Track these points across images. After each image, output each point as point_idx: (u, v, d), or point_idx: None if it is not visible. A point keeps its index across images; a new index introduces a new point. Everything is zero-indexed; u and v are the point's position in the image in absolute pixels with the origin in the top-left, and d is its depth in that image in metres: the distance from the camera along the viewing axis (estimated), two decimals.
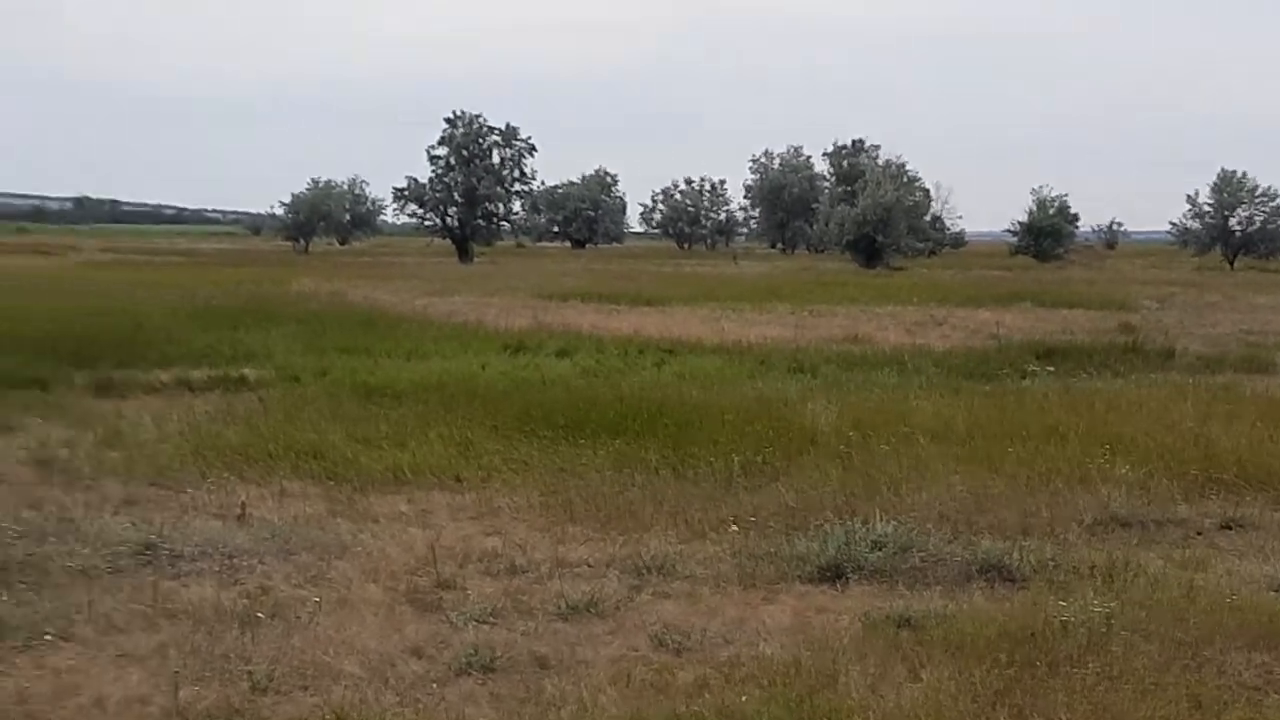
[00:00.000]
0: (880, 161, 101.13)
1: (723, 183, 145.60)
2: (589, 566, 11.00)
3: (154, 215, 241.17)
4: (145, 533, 11.53)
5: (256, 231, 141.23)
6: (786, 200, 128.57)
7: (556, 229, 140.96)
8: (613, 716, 7.55)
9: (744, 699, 7.78)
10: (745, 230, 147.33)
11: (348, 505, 13.05)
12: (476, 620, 9.46)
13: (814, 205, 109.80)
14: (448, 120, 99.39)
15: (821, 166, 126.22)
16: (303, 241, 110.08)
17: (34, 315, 30.14)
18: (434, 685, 8.19)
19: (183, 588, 10.17)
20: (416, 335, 28.70)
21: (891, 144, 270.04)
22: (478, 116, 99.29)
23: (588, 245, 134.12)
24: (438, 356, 25.13)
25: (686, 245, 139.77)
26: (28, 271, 54.86)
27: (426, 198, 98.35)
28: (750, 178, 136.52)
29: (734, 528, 11.95)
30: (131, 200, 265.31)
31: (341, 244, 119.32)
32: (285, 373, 22.41)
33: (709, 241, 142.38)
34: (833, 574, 10.70)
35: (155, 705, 7.69)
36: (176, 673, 8.06)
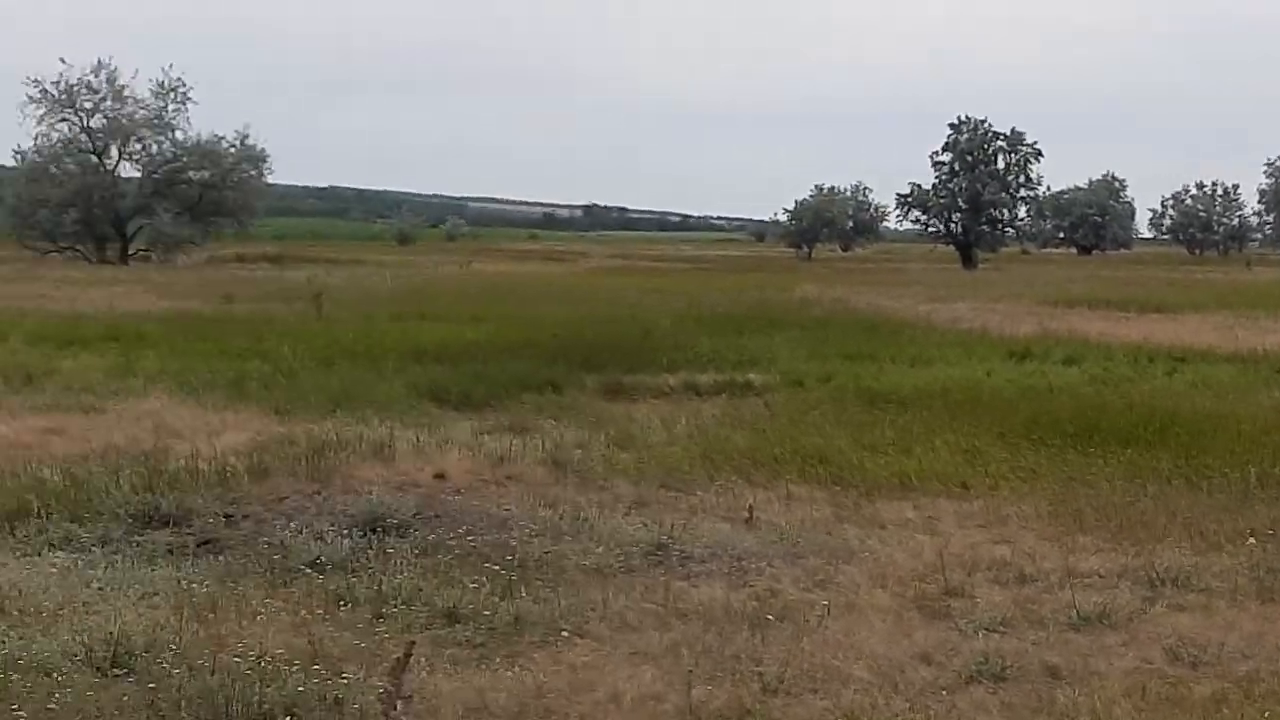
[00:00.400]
0: None
1: (1236, 187, 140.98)
2: (1100, 577, 10.74)
3: (660, 222, 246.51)
4: (656, 533, 11.75)
5: (760, 238, 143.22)
6: None
7: (1062, 235, 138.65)
8: None
9: (1265, 715, 7.48)
10: (1259, 236, 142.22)
11: (854, 510, 13.05)
12: (986, 628, 9.35)
13: None
14: (952, 126, 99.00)
15: None
16: (806, 248, 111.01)
17: (546, 321, 31.13)
18: (944, 692, 8.11)
19: (693, 588, 10.32)
20: (920, 341, 28.58)
21: None
22: (983, 121, 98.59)
23: (1094, 251, 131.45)
24: (941, 363, 24.97)
25: (1197, 252, 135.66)
26: (540, 278, 56.72)
27: (930, 204, 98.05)
28: (1265, 182, 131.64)
29: (1251, 540, 11.50)
30: (638, 208, 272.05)
31: (844, 250, 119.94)
32: (789, 378, 22.56)
33: (1221, 248, 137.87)
34: None
35: (669, 703, 7.82)
36: (690, 671, 8.17)
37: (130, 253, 72.91)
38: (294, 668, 8.20)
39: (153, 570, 10.66)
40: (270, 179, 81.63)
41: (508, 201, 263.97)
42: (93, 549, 11.31)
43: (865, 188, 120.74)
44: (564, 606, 9.77)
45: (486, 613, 9.51)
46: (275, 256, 71.21)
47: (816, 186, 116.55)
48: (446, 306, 35.30)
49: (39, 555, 11.14)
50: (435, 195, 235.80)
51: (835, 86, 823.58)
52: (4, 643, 8.71)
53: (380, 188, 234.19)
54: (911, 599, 10.09)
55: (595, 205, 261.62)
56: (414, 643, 6.99)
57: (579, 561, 10.99)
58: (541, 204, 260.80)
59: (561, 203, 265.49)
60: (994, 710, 7.80)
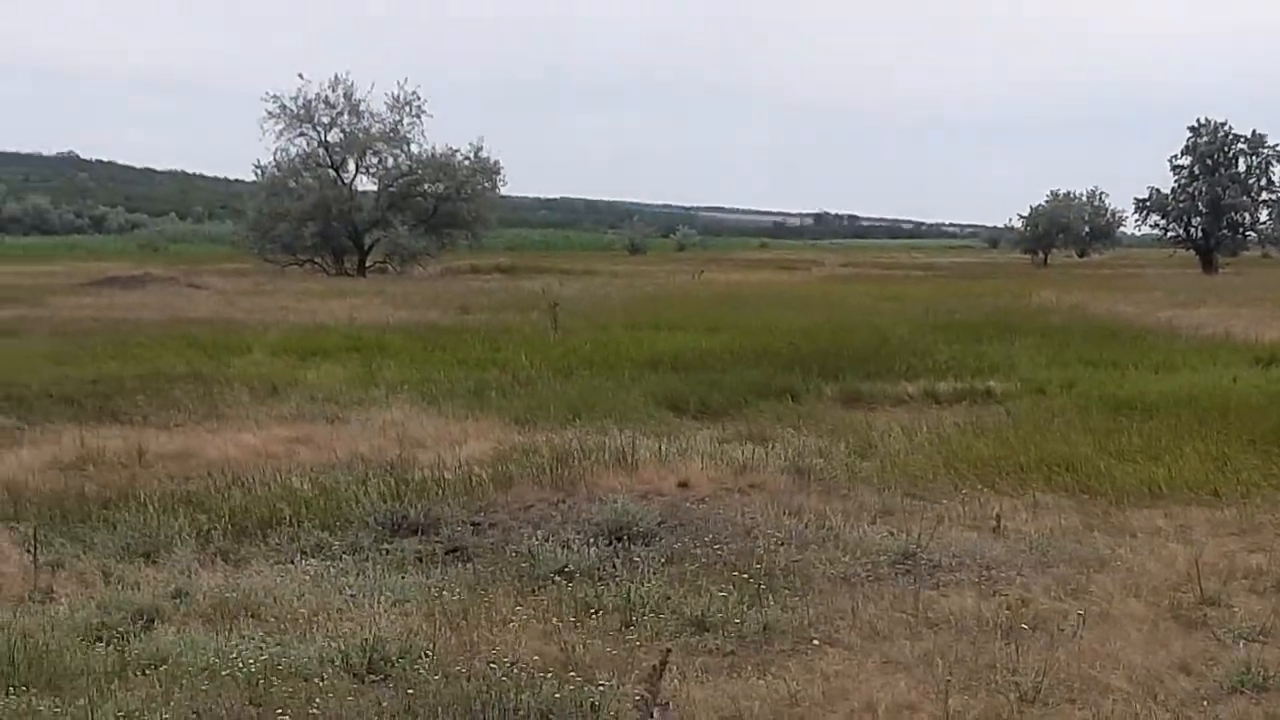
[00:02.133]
0: None
1: None
2: None
3: (891, 229, 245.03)
4: (903, 542, 11.64)
5: (994, 244, 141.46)
6: None
7: None
8: None
9: None
10: None
11: (1103, 519, 12.83)
12: (1245, 638, 9.13)
13: None
14: (1191, 129, 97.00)
15: None
16: (1041, 254, 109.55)
17: (781, 329, 31.05)
18: (1205, 703, 7.93)
19: (942, 597, 10.22)
20: (1163, 348, 28.03)
21: None
22: (1223, 124, 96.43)
23: None
24: (1186, 369, 24.45)
25: None
26: (772, 286, 56.63)
27: (1169, 208, 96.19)
28: None
29: None
30: (869, 215, 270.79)
31: (1080, 256, 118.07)
32: (1030, 385, 22.26)
33: None
34: None
35: (924, 713, 7.74)
36: (948, 680, 8.09)
37: (367, 265, 74.13)
38: (547, 675, 8.25)
39: (403, 577, 10.81)
40: (503, 191, 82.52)
41: (737, 210, 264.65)
42: (344, 556, 11.52)
43: (1101, 193, 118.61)
44: (813, 615, 9.74)
45: (735, 621, 9.52)
46: (508, 267, 71.98)
47: (1052, 192, 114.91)
48: (681, 316, 35.39)
49: (292, 562, 11.37)
50: (665, 205, 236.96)
51: (1068, 91, 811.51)
52: (262, 648, 8.89)
53: (611, 198, 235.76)
54: (1166, 608, 9.89)
55: (825, 213, 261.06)
56: (670, 650, 7.00)
57: (826, 570, 10.94)
58: (771, 213, 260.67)
59: (791, 211, 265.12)
60: None
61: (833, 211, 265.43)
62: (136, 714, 7.74)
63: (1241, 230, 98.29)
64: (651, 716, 6.57)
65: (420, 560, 11.41)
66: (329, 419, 18.82)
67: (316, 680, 8.33)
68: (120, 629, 9.42)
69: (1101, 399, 20.11)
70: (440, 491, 13.73)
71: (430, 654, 8.76)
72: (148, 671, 8.54)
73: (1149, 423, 17.64)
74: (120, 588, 10.47)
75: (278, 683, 8.27)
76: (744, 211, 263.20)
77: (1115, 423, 17.77)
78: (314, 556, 11.54)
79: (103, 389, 21.30)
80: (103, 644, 9.11)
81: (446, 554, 11.63)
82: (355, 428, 18.02)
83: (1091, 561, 11.23)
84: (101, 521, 12.50)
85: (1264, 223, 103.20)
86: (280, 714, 7.80)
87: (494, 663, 8.49)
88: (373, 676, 8.46)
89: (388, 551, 11.65)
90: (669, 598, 10.04)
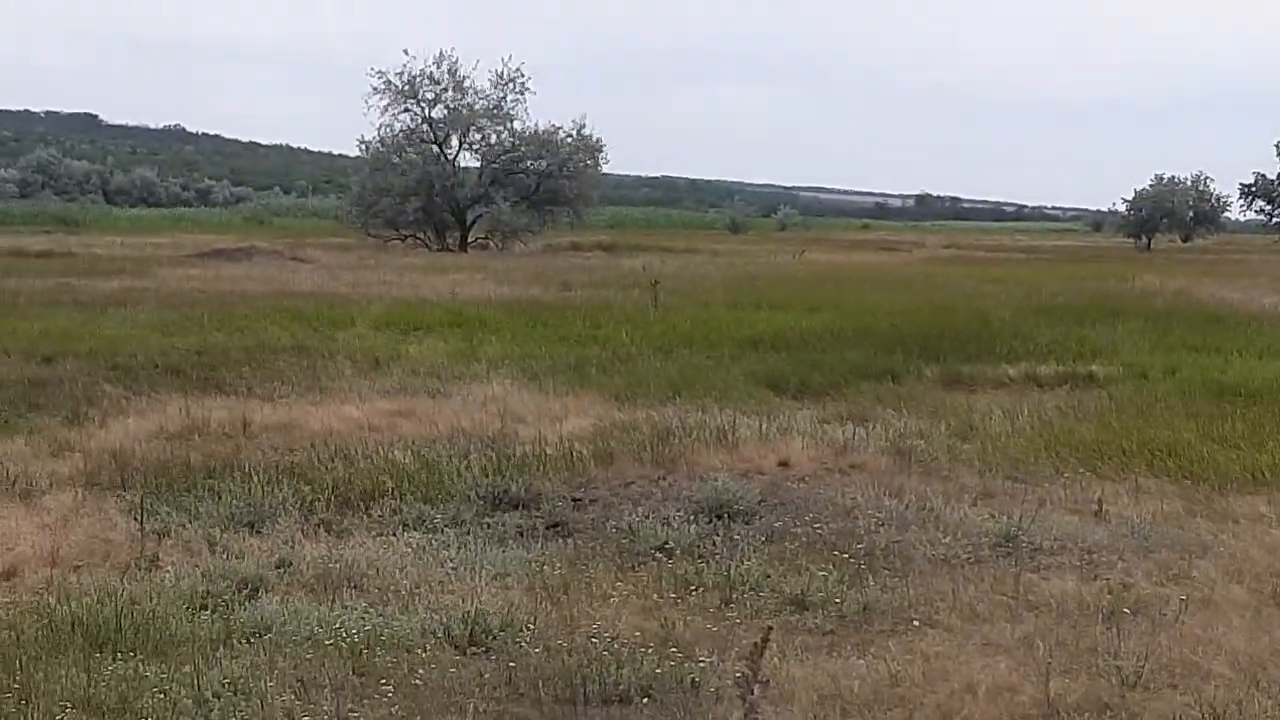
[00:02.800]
0: None
1: None
2: None
3: (994, 212, 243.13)
4: (1004, 525, 11.59)
5: (1097, 228, 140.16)
6: None
7: None
8: None
9: None
10: None
11: (1205, 504, 12.73)
12: None
13: None
14: None
15: None
16: (1144, 238, 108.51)
17: (882, 310, 30.95)
18: None
19: (1043, 580, 10.18)
20: (1268, 334, 27.68)
21: None
22: None
23: None
24: None
25: None
26: (873, 267, 56.38)
27: (1275, 194, 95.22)
28: None
29: None
30: (971, 197, 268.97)
31: (1184, 241, 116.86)
32: (1133, 370, 22.07)
33: None
34: None
35: (1025, 695, 7.72)
36: (1051, 664, 8.07)
37: (469, 240, 74.39)
38: (647, 650, 8.31)
39: (504, 551, 10.89)
40: (605, 168, 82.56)
41: (839, 191, 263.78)
42: (445, 529, 11.61)
43: (1206, 177, 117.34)
44: (913, 596, 9.74)
45: (835, 600, 9.52)
46: (609, 245, 71.95)
47: (1156, 176, 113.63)
48: (781, 295, 35.30)
49: (394, 535, 11.47)
50: (766, 185, 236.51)
51: (1173, 74, 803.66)
52: (365, 619, 8.99)
53: (712, 177, 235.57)
54: (1270, 595, 9.81)
55: (928, 195, 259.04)
56: (771, 628, 7.02)
57: (926, 551, 10.93)
58: (873, 194, 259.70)
59: (893, 192, 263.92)
60: None
61: (935, 193, 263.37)
62: (241, 681, 7.85)
63: None
64: (752, 694, 6.60)
65: (521, 535, 11.49)
66: (430, 393, 18.93)
67: (418, 651, 8.42)
68: (225, 597, 9.54)
69: (1205, 384, 19.92)
70: (541, 467, 13.79)
71: (531, 628, 8.84)
72: (252, 640, 8.66)
73: (1253, 409, 17.49)
74: (225, 557, 10.60)
75: (380, 653, 8.38)
76: (845, 192, 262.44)
77: (1218, 408, 17.63)
78: (416, 529, 11.63)
79: (208, 360, 21.53)
80: (208, 612, 9.24)
81: (547, 529, 11.71)
82: (456, 402, 18.11)
83: (1194, 547, 11.16)
84: (207, 491, 12.63)
85: None
86: (383, 684, 7.90)
87: (594, 637, 8.55)
88: (474, 649, 8.55)
89: (489, 525, 11.73)
90: (769, 576, 10.07)
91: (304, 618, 9.01)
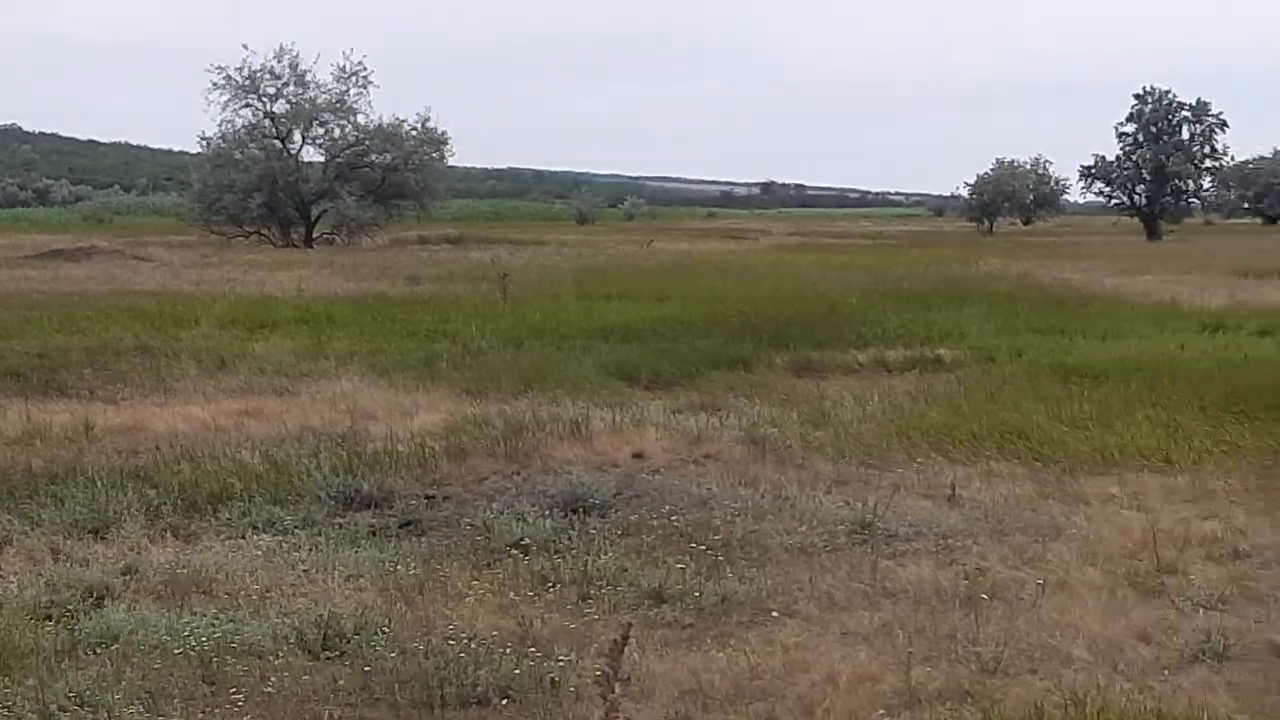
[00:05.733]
0: None
1: None
2: None
3: (838, 199, 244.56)
4: (859, 512, 11.62)
5: (939, 213, 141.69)
6: None
7: (1246, 205, 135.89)
8: None
9: None
10: None
11: (1056, 487, 12.85)
12: (1204, 606, 9.16)
13: None
14: (1137, 97, 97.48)
15: None
16: (987, 222, 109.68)
17: (731, 298, 30.96)
18: (1165, 672, 7.94)
19: (900, 567, 10.20)
20: (1110, 315, 28.12)
21: None
22: (1167, 92, 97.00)
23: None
24: (1133, 336, 24.57)
25: None
26: (721, 256, 56.50)
27: (1114, 176, 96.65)
28: None
29: None
30: (815, 184, 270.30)
31: (1025, 224, 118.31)
32: (980, 353, 22.30)
33: None
34: None
35: (886, 684, 7.71)
36: (911, 652, 8.06)
37: (314, 236, 73.69)
38: (505, 650, 8.23)
39: (357, 552, 10.73)
40: (451, 161, 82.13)
41: (685, 180, 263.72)
42: (296, 531, 11.44)
43: (1046, 161, 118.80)
44: (770, 586, 9.72)
45: (693, 593, 9.49)
46: (456, 238, 71.53)
47: (997, 160, 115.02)
48: (631, 285, 35.24)
49: (243, 538, 11.29)
50: (613, 175, 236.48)
51: (1012, 59, 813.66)
52: (215, 625, 8.82)
53: (558, 168, 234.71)
54: (1124, 576, 9.90)
55: (773, 183, 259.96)
56: (631, 624, 6.92)
57: (783, 540, 10.92)
58: (719, 182, 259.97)
59: (739, 181, 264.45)
60: (1220, 690, 7.61)
61: (780, 181, 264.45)
62: (88, 693, 7.65)
63: (1185, 197, 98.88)
64: (613, 691, 6.51)
65: (374, 534, 11.32)
66: (278, 392, 18.69)
67: (271, 658, 8.27)
68: (70, 607, 9.31)
69: (1051, 366, 20.16)
70: (393, 464, 13.63)
71: (386, 630, 8.71)
72: (98, 650, 8.46)
73: (1099, 390, 17.69)
74: (69, 565, 10.36)
75: (231, 660, 8.21)
76: (691, 181, 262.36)
77: (1065, 390, 17.82)
78: (266, 531, 11.44)
79: (48, 363, 21.03)
80: (52, 622, 9.01)
81: (400, 527, 11.56)
82: (305, 400, 17.90)
83: (1047, 530, 11.25)
84: (49, 497, 12.31)
85: (1207, 190, 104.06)
86: (234, 693, 7.73)
87: (451, 638, 8.44)
88: (328, 653, 8.40)
89: (341, 526, 11.56)
90: (626, 570, 10.00)
91: (152, 626, 8.80)
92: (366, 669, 8.02)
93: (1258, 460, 13.66)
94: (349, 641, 8.53)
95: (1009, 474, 13.36)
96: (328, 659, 8.31)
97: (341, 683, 7.88)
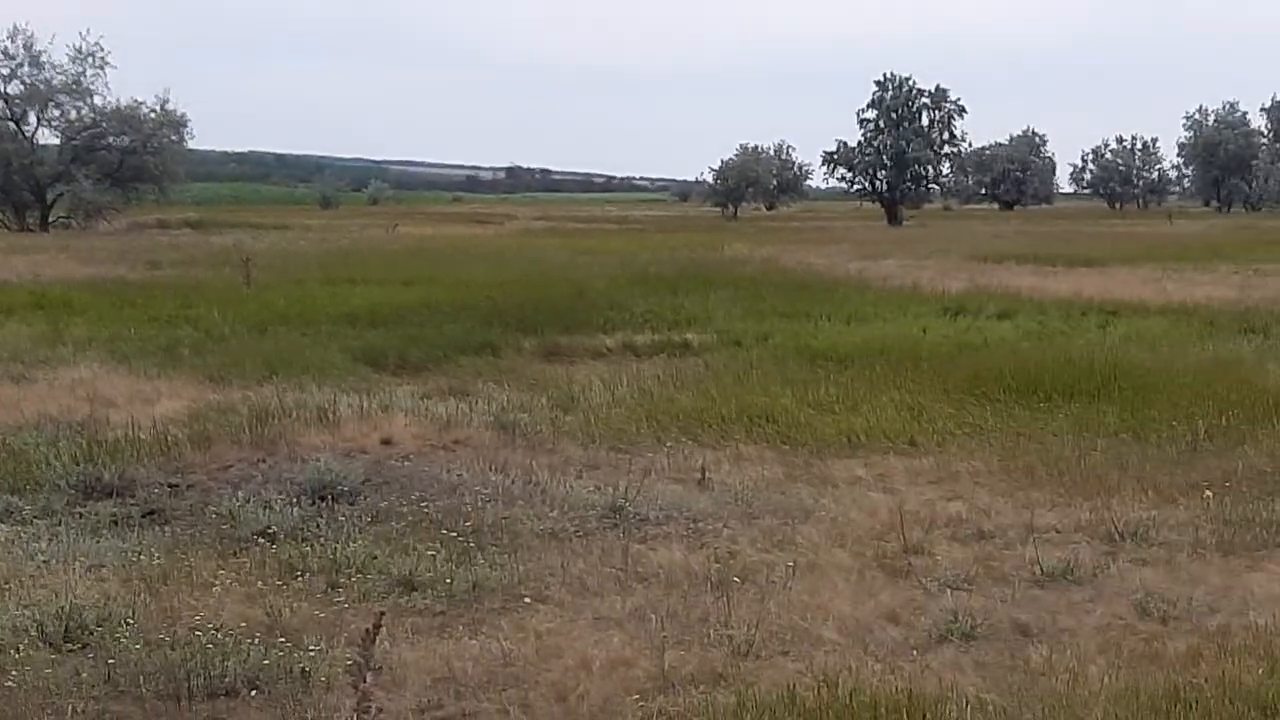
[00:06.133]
0: None
1: (1155, 141, 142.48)
2: (1057, 532, 10.72)
3: (583, 183, 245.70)
4: (610, 496, 11.62)
5: (684, 198, 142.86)
6: (1222, 158, 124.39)
7: (984, 190, 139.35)
8: (1107, 686, 7.26)
9: (1242, 671, 7.41)
10: (1177, 189, 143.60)
11: (805, 469, 12.98)
12: (950, 586, 9.29)
13: (1252, 162, 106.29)
14: (878, 83, 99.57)
15: (1259, 122, 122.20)
16: (731, 207, 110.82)
17: (478, 283, 30.89)
18: (915, 652, 8.02)
19: (651, 551, 10.20)
20: (854, 299, 28.54)
21: None
22: (907, 79, 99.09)
23: (1015, 206, 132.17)
24: (878, 320, 24.99)
25: (1118, 205, 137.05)
26: (467, 240, 56.40)
27: (856, 161, 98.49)
28: (1183, 135, 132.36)
29: (1208, 493, 11.45)
30: (561, 169, 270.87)
31: (769, 209, 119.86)
32: (727, 337, 22.50)
33: (1141, 201, 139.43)
34: None
35: (640, 669, 7.69)
36: (664, 637, 8.06)
37: (51, 220, 72.08)
38: (253, 640, 8.04)
39: (99, 542, 10.45)
40: (191, 144, 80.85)
41: (430, 164, 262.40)
42: (35, 521, 11.11)
43: (789, 146, 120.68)
44: (522, 572, 9.64)
45: (445, 580, 9.37)
46: (197, 222, 70.59)
47: (741, 145, 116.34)
48: (376, 270, 34.99)
49: None
50: (357, 159, 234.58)
51: (756, 45, 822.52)
52: None
53: (301, 152, 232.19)
54: (872, 558, 10.01)
55: (518, 167, 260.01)
56: (383, 614, 6.82)
57: (534, 526, 10.87)
58: (464, 166, 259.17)
59: (484, 165, 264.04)
60: (968, 669, 7.71)
61: (525, 165, 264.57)
62: None
63: (925, 183, 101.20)
64: (365, 681, 6.41)
65: (116, 523, 11.02)
66: (14, 378, 18.15)
67: (10, 651, 7.98)
68: None
69: (797, 350, 20.40)
70: (135, 452, 13.29)
71: (130, 621, 8.47)
72: None
73: (845, 374, 17.92)
74: None
75: None
76: (436, 165, 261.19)
77: (812, 374, 18.01)
78: (3, 521, 11.07)
79: None
80: None
81: (143, 516, 11.27)
82: (43, 387, 17.41)
83: (796, 512, 11.34)
84: None
85: (946, 175, 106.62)
86: None
87: (197, 629, 8.24)
88: (70, 646, 8.14)
89: (82, 515, 11.24)
90: (376, 557, 9.86)
91: None
92: (110, 661, 7.78)
93: (999, 442, 13.93)
94: (92, 633, 8.28)
95: (758, 457, 13.47)
96: (70, 651, 8.06)
97: (85, 675, 7.64)
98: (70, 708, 7.26)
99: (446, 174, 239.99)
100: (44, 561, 9.95)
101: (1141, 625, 8.50)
